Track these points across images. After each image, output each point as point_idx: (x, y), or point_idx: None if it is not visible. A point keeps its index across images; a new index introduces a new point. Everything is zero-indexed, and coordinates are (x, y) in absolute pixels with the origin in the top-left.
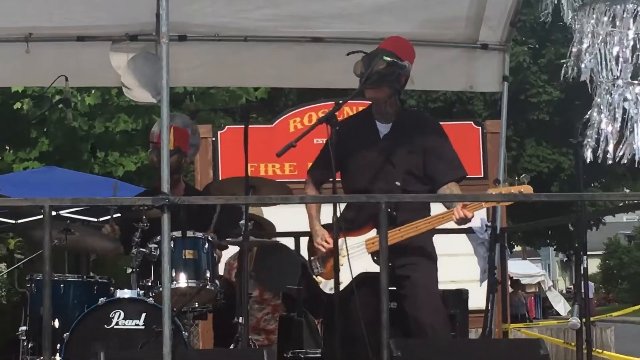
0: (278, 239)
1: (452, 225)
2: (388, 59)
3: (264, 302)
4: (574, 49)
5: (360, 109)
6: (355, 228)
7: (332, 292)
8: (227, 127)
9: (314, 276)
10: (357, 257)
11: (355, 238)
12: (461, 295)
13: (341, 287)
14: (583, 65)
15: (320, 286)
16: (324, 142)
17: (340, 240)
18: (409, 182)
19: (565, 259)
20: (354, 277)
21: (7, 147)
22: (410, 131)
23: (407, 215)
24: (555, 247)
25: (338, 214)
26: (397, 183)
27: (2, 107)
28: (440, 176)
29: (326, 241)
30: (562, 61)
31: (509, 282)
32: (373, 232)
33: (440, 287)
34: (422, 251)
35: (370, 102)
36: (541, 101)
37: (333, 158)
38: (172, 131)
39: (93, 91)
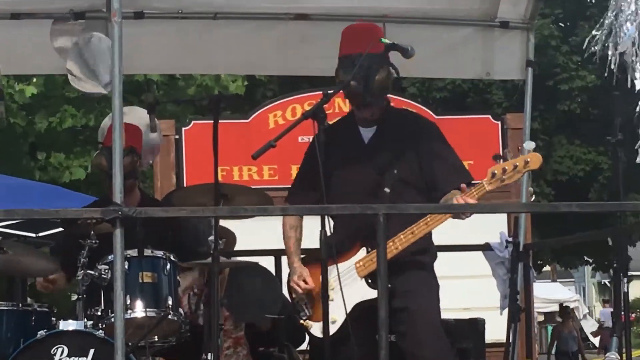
0: (255, 258)
1: (464, 242)
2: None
3: (225, 334)
4: (608, 20)
5: None
6: (342, 253)
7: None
8: (193, 122)
9: (302, 322)
10: (349, 285)
11: (343, 264)
12: (476, 326)
13: (336, 327)
14: (623, 36)
15: (312, 331)
16: (311, 140)
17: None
18: (400, 191)
19: (603, 281)
20: (349, 310)
21: None
22: (398, 133)
23: (399, 229)
24: (592, 266)
25: (327, 229)
26: (386, 189)
27: None
28: (441, 184)
29: (304, 281)
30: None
31: (558, 311)
32: (362, 253)
33: (452, 315)
34: (420, 270)
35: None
36: (573, 88)
37: (320, 161)
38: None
39: (35, 79)
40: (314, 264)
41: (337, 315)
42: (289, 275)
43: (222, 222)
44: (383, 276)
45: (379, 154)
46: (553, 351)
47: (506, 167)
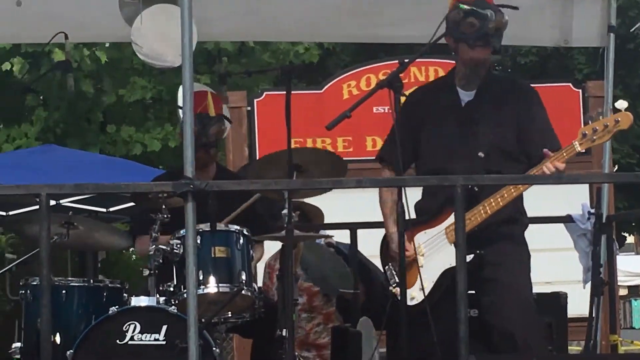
0: (330, 232)
1: (546, 213)
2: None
3: (314, 310)
4: None
5: (431, 69)
6: (432, 218)
7: (415, 302)
8: (265, 93)
9: (391, 288)
10: (438, 250)
11: (433, 229)
12: (559, 300)
13: (422, 296)
14: None
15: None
16: (387, 111)
17: (416, 238)
18: (495, 159)
19: None
20: (439, 276)
21: None
22: (499, 98)
23: (489, 193)
24: None
25: (405, 201)
26: (480, 154)
27: None
28: (534, 152)
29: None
30: None
31: None
32: (453, 218)
33: (534, 289)
34: (511, 240)
35: (453, 65)
36: None
37: (398, 133)
38: (208, 96)
39: (107, 44)
40: (409, 229)
41: (426, 282)
42: (382, 241)
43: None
44: (462, 248)
45: (475, 117)
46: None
47: (597, 127)
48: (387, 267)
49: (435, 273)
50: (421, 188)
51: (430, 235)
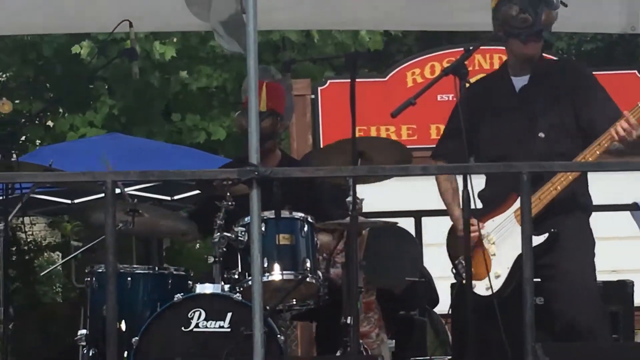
0: (395, 219)
1: (611, 201)
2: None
3: None
4: None
5: (496, 57)
6: (498, 205)
7: (489, 292)
8: (329, 81)
9: (464, 281)
10: (509, 235)
11: (501, 216)
12: (625, 288)
13: (501, 281)
14: None
15: (475, 290)
16: (451, 98)
17: (485, 226)
18: (555, 138)
19: None
20: (513, 263)
21: (60, 111)
22: (552, 79)
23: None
24: None
25: (469, 188)
26: (541, 134)
27: (59, 54)
28: (598, 124)
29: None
30: None
31: None
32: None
33: (600, 277)
34: (574, 229)
35: (506, 56)
36: None
37: (463, 120)
38: (263, 88)
39: (175, 39)
40: (477, 218)
41: (500, 269)
42: (448, 236)
43: None
44: (527, 236)
45: (531, 100)
46: None
47: None
48: (457, 261)
49: (509, 259)
50: (483, 177)
51: (499, 222)
